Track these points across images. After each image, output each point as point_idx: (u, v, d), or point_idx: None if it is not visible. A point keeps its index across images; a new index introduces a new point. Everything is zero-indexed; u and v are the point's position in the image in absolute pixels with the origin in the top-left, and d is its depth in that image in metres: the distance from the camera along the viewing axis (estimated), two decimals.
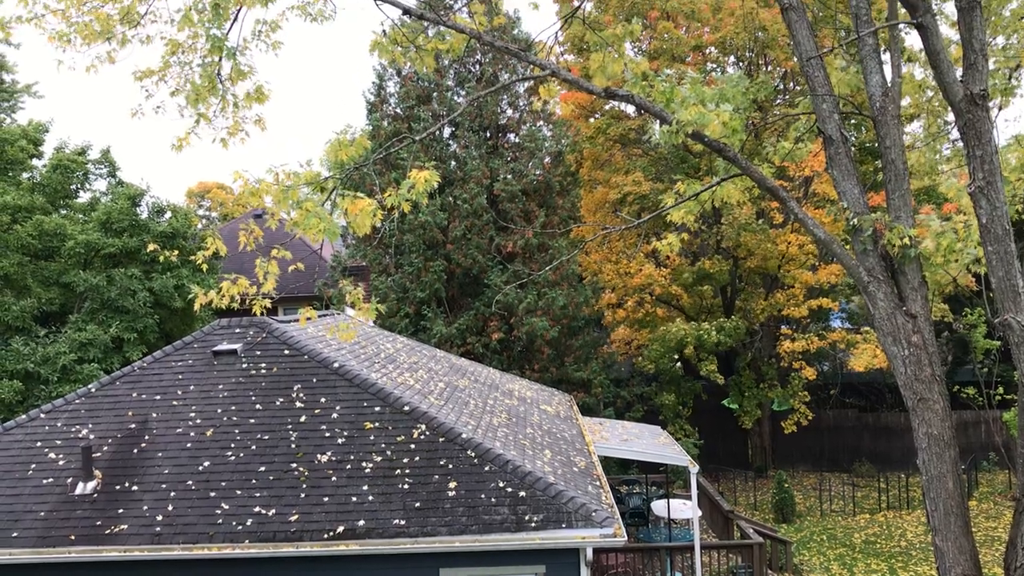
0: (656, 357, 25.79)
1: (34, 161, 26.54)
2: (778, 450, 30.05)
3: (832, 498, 26.18)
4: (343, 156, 8.21)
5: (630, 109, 28.70)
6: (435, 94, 27.17)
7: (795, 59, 21.67)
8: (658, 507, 20.08)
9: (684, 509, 19.29)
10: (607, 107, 28.89)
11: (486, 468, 11.64)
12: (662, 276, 26.01)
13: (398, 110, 27.52)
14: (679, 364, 28.75)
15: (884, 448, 30.02)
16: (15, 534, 11.00)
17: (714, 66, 28.24)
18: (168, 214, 25.97)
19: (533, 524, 10.79)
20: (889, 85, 9.18)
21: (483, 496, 11.22)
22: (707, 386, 28.77)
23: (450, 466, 11.71)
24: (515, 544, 10.70)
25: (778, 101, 28.21)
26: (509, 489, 11.29)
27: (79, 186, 27.36)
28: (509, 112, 27.89)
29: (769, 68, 28.40)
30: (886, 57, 9.86)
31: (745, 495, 26.90)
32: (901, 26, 9.83)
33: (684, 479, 24.60)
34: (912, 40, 33.50)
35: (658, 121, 8.91)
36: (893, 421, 30.20)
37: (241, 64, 9.88)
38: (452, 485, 11.40)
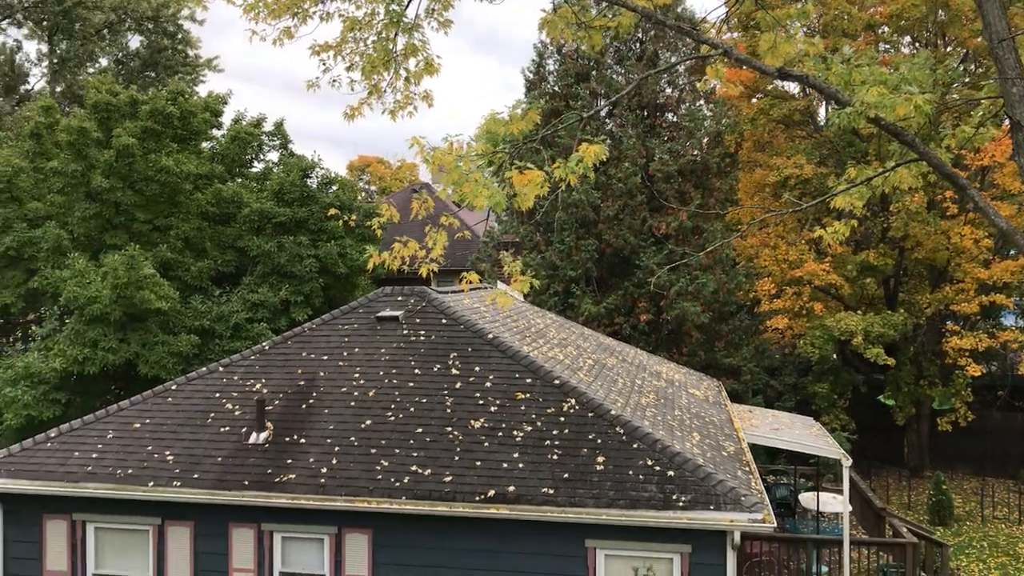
0: (820, 344, 24.94)
1: (214, 131, 28.27)
2: (935, 450, 28.66)
3: (995, 504, 24.80)
4: (513, 130, 8.43)
5: (794, 89, 27.82)
6: (594, 72, 27.16)
7: (981, 39, 20.44)
8: (806, 499, 19.61)
9: (833, 503, 18.77)
10: (770, 87, 28.11)
11: (634, 445, 11.72)
12: (823, 269, 25.13)
13: (556, 88, 27.68)
14: (837, 356, 27.80)
15: None
16: (196, 476, 11.93)
17: (887, 47, 26.95)
18: (335, 186, 27.13)
19: (680, 504, 10.81)
20: None
21: (631, 472, 11.32)
22: (866, 380, 27.74)
23: (599, 441, 11.86)
24: (661, 522, 10.76)
25: (955, 84, 26.68)
26: (657, 468, 11.34)
27: (253, 156, 28.97)
28: (668, 91, 27.57)
29: (950, 48, 26.86)
30: None
31: (898, 494, 25.85)
32: None
33: (835, 472, 23.88)
34: None
35: (827, 103, 8.69)
36: None
37: (415, 39, 10.27)
38: (600, 459, 11.55)
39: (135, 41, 40.34)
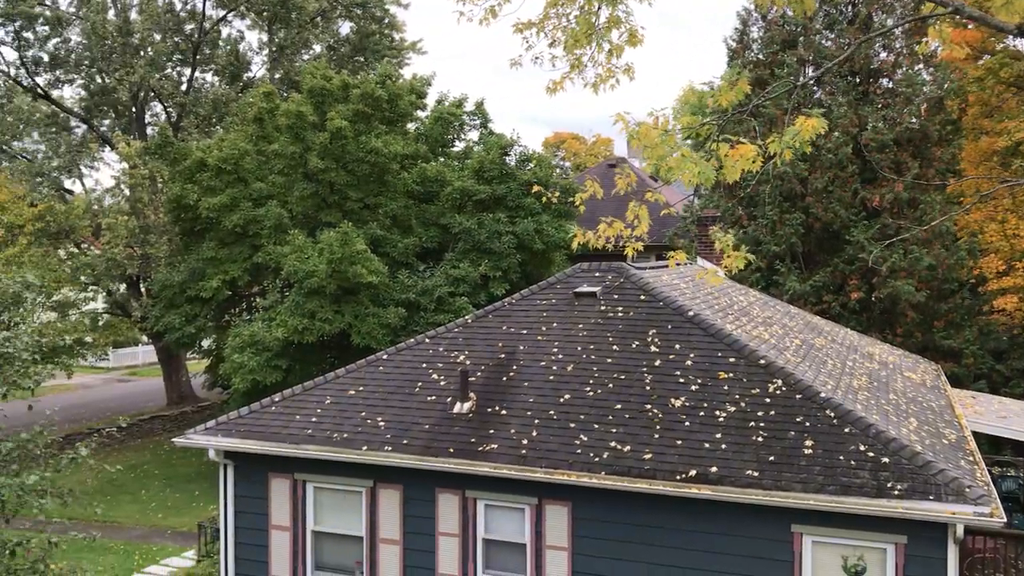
0: None
1: (418, 113, 29.28)
2: None
3: None
4: (722, 101, 8.15)
5: None
6: (801, 39, 25.91)
7: None
8: None
9: None
10: (999, 47, 25.78)
11: (845, 429, 11.17)
12: None
13: (760, 56, 26.65)
14: None
15: None
16: (405, 441, 12.48)
17: None
18: (532, 163, 27.44)
19: (896, 492, 10.20)
20: None
21: (841, 457, 10.80)
22: None
23: (807, 423, 11.39)
24: (874, 510, 10.21)
25: None
26: (870, 453, 10.75)
27: (455, 136, 29.81)
28: (883, 55, 25.86)
29: None
30: None
31: None
32: None
33: None
34: None
35: None
36: None
37: (618, 10, 10.14)
38: (808, 443, 11.08)
39: (345, 27, 42.39)
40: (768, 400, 11.89)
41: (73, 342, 26.44)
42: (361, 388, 13.83)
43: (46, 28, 36.56)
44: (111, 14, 36.46)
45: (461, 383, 12.98)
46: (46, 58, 37.12)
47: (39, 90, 37.71)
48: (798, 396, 11.84)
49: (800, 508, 10.55)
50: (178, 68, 39.39)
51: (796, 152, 8.14)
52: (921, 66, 25.93)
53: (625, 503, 11.47)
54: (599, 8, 10.30)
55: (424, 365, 14.05)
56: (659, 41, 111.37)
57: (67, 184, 37.90)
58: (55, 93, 38.65)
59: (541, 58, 11.07)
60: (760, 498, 10.58)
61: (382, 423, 12.94)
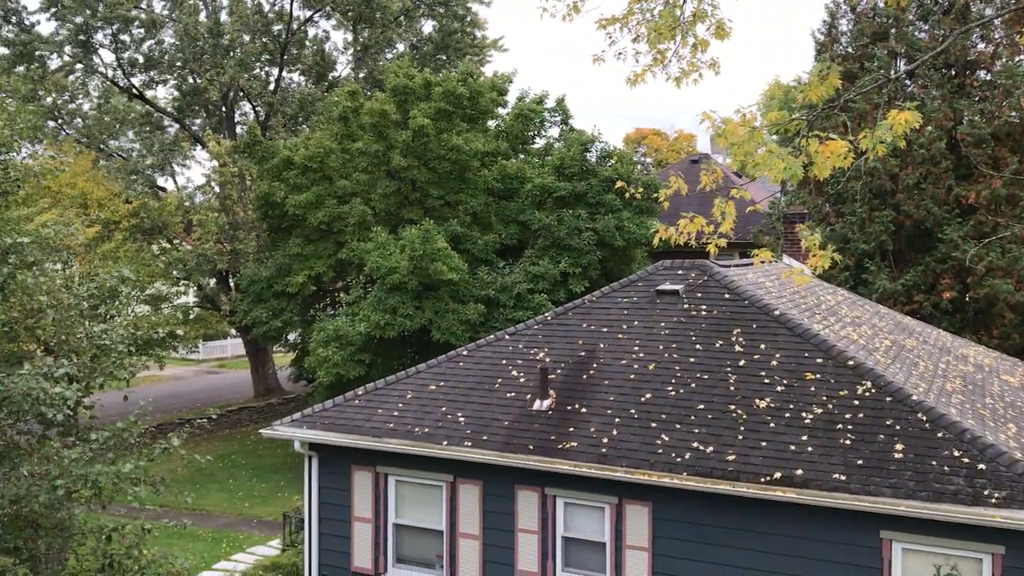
0: None
1: (498, 110, 29.37)
2: None
3: None
4: (812, 96, 7.94)
5: None
6: (893, 30, 25.12)
7: None
8: None
9: None
10: None
11: (939, 434, 10.78)
12: None
13: (849, 49, 25.94)
14: None
15: None
16: (485, 437, 12.54)
17: None
18: (613, 159, 27.27)
19: (993, 500, 9.81)
20: None
21: (934, 463, 10.43)
22: None
23: (897, 427, 11.04)
24: (969, 518, 9.83)
25: None
26: (965, 460, 10.36)
27: (535, 132, 29.80)
28: (981, 46, 24.89)
29: None
30: None
31: None
32: None
33: None
34: None
35: None
36: None
37: (704, 4, 9.97)
38: (899, 447, 10.74)
39: (428, 26, 42.80)
40: (857, 402, 11.56)
41: (166, 335, 27.35)
42: (441, 383, 13.95)
43: (141, 31, 37.84)
44: (202, 16, 37.56)
45: (541, 380, 12.97)
46: (141, 60, 38.42)
47: (134, 90, 39.08)
48: (888, 399, 11.49)
49: (890, 514, 10.23)
50: (266, 68, 40.36)
51: (888, 147, 7.89)
52: (1022, 57, 24.87)
53: (707, 504, 11.30)
54: (684, 2, 10.16)
55: (504, 362, 14.09)
56: (742, 33, 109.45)
57: (160, 181, 39.22)
58: (149, 93, 40.01)
59: (624, 54, 10.94)
60: (848, 502, 10.30)
61: (462, 418, 13.03)
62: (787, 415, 11.60)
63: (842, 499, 10.32)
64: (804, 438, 11.18)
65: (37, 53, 35.81)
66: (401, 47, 42.25)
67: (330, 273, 26.32)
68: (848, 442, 10.98)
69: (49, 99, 36.76)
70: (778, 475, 10.75)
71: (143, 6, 38.01)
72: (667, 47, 10.41)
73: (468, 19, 42.20)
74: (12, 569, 10.38)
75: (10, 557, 10.40)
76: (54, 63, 37.44)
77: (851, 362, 12.24)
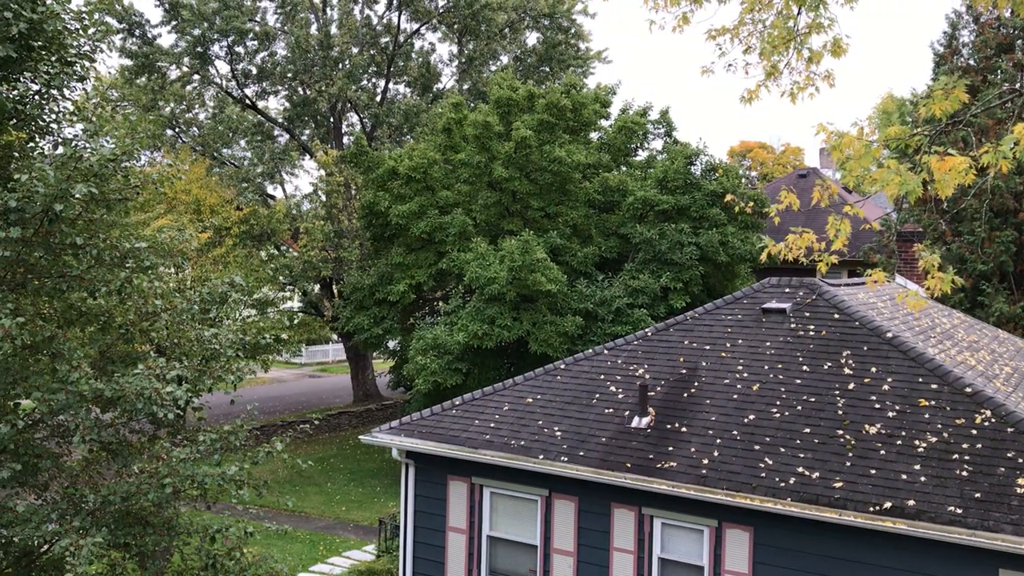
0: None
1: (601, 122, 29.21)
2: None
3: None
4: (935, 110, 7.57)
5: None
6: (1019, 41, 23.97)
7: None
8: None
9: None
10: None
11: None
12: None
13: (971, 61, 24.86)
14: None
15: None
16: (581, 453, 12.39)
17: None
18: (717, 173, 26.79)
19: None
20: None
21: None
22: None
23: (1020, 460, 10.41)
24: None
25: None
26: None
27: (638, 144, 29.54)
28: None
29: None
30: None
31: None
32: None
33: None
34: None
35: None
36: None
37: (821, 17, 9.65)
38: (1021, 481, 10.13)
39: (532, 38, 43.01)
40: (975, 432, 10.97)
41: (272, 340, 28.13)
42: (539, 396, 13.86)
43: (255, 43, 39.16)
44: (313, 29, 38.64)
45: (640, 397, 12.75)
46: (254, 71, 39.76)
47: (247, 101, 40.47)
48: (1010, 429, 10.86)
49: (1010, 552, 9.65)
50: (373, 80, 41.23)
51: (1013, 164, 7.45)
52: None
53: (811, 532, 10.88)
54: (798, 13, 9.87)
55: (602, 376, 13.92)
56: (856, 45, 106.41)
57: (269, 189, 40.45)
58: (261, 104, 41.37)
59: (735, 65, 10.70)
60: (963, 537, 9.76)
61: (559, 433, 12.91)
62: (899, 442, 11.09)
63: (958, 533, 9.79)
64: (917, 467, 10.66)
65: (158, 64, 37.45)
66: (505, 59, 42.56)
67: (430, 282, 26.61)
68: (965, 473, 10.42)
69: (168, 108, 38.41)
70: (888, 505, 10.27)
71: (257, 19, 39.34)
72: (780, 59, 10.14)
73: (572, 31, 42.23)
74: (122, 564, 10.76)
75: (120, 552, 10.77)
76: (173, 74, 39.09)
77: (969, 389, 11.63)
